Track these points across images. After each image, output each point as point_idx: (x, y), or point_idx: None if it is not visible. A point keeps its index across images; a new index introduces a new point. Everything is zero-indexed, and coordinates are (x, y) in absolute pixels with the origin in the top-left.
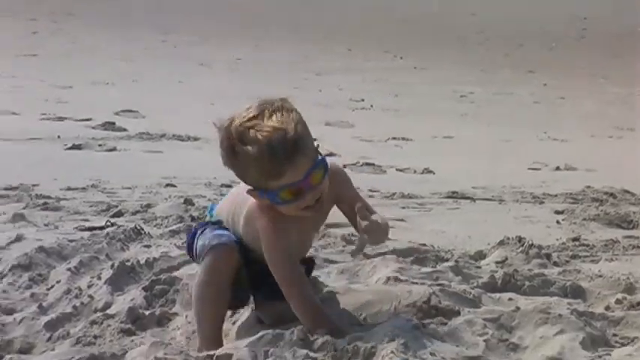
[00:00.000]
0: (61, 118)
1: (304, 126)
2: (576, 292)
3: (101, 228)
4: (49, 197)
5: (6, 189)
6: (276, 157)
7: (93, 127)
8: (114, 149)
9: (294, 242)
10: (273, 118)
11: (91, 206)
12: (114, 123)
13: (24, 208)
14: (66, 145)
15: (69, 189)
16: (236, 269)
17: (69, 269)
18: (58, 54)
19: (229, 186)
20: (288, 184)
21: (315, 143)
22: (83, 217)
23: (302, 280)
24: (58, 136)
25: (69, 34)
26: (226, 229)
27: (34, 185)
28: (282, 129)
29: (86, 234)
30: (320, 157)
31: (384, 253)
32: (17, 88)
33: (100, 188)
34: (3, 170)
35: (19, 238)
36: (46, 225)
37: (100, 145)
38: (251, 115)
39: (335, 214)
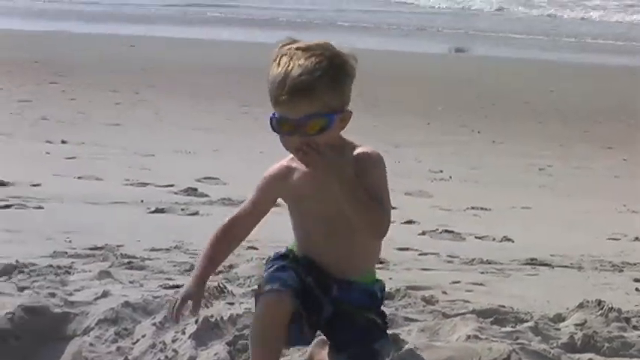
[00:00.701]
0: (143, 184)
1: (327, 74)
2: None
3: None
4: (133, 257)
5: (92, 249)
6: (278, 89)
7: (175, 193)
8: (196, 213)
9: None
10: (308, 54)
11: (174, 266)
12: (196, 189)
13: (110, 267)
14: (149, 209)
15: (153, 250)
16: (289, 314)
17: (154, 324)
18: (141, 124)
19: None
20: (283, 116)
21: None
22: (167, 276)
23: None
24: (142, 201)
25: (151, 104)
26: (291, 265)
27: (118, 246)
28: (301, 66)
29: (170, 291)
30: (330, 115)
31: (464, 314)
32: (101, 156)
33: (183, 249)
34: (89, 231)
35: (105, 294)
36: (131, 282)
37: (182, 210)
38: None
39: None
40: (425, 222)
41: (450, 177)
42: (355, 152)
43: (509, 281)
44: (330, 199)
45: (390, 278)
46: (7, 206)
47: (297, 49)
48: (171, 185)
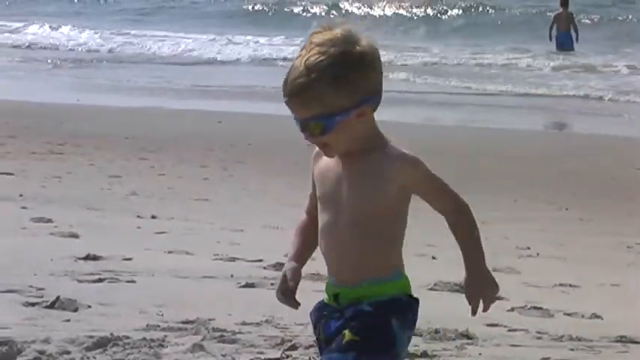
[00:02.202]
0: (233, 259)
1: (326, 73)
2: None
3: (277, 359)
4: (225, 330)
5: (184, 322)
6: (282, 89)
7: (264, 268)
8: None
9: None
10: (315, 50)
11: (265, 340)
12: (283, 264)
13: (202, 340)
14: (239, 283)
15: (244, 323)
16: None
17: None
18: (229, 199)
19: None
20: (294, 115)
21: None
22: (258, 349)
23: None
24: (231, 275)
25: (239, 180)
26: None
27: (210, 319)
28: (302, 66)
29: None
30: (329, 117)
31: None
32: (190, 231)
33: (273, 323)
34: (181, 305)
35: None
36: (223, 356)
37: (271, 284)
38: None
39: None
40: (513, 298)
41: (538, 254)
42: (388, 150)
43: (598, 358)
44: (342, 192)
45: (480, 354)
46: (100, 280)
47: (312, 42)
48: (260, 260)
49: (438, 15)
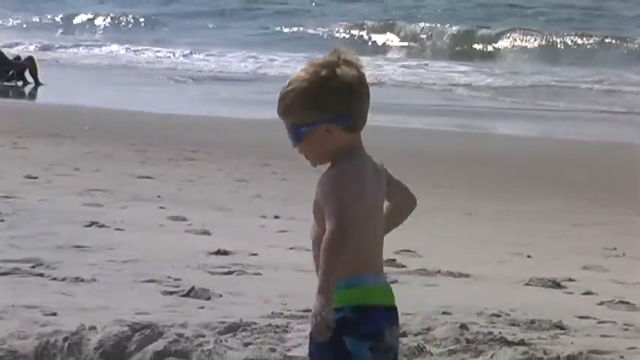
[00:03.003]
0: None
1: (300, 95)
2: None
3: None
4: None
5: (305, 311)
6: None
7: None
8: (395, 282)
9: None
10: (305, 69)
11: None
12: (394, 260)
13: None
14: None
15: None
16: None
17: None
18: None
19: (498, 315)
20: None
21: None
22: None
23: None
24: None
25: None
26: None
27: None
28: (291, 81)
29: None
30: (298, 129)
31: None
32: (308, 230)
33: None
34: (302, 296)
35: None
36: None
37: None
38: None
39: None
40: (602, 294)
41: (624, 254)
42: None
43: None
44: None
45: (572, 343)
46: (230, 272)
47: (308, 63)
48: None
49: None
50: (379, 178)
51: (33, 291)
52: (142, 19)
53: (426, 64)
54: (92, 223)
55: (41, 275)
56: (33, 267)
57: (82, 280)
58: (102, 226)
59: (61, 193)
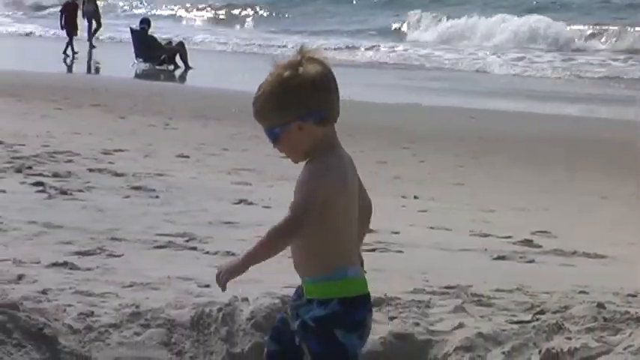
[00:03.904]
0: (485, 235)
1: (267, 99)
2: None
3: (528, 322)
4: (482, 296)
5: (446, 287)
6: None
7: (513, 243)
8: (532, 261)
9: None
10: (272, 72)
11: (517, 305)
12: (531, 240)
13: (462, 303)
14: (492, 256)
15: (497, 290)
16: None
17: (503, 352)
18: (481, 184)
19: (634, 295)
20: None
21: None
22: (512, 313)
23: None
24: (485, 249)
25: (489, 168)
26: None
27: (468, 286)
28: (258, 88)
29: (515, 325)
30: (273, 129)
31: None
32: (448, 210)
33: (523, 291)
34: (442, 273)
35: (460, 325)
36: (481, 317)
37: (520, 258)
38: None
39: None
40: None
41: None
42: (308, 164)
43: None
44: None
45: None
46: (373, 250)
47: (273, 66)
48: (510, 237)
49: None
50: (355, 172)
51: (187, 264)
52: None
53: None
54: (241, 201)
55: (194, 249)
56: (187, 241)
57: (232, 254)
58: (250, 203)
59: (211, 171)
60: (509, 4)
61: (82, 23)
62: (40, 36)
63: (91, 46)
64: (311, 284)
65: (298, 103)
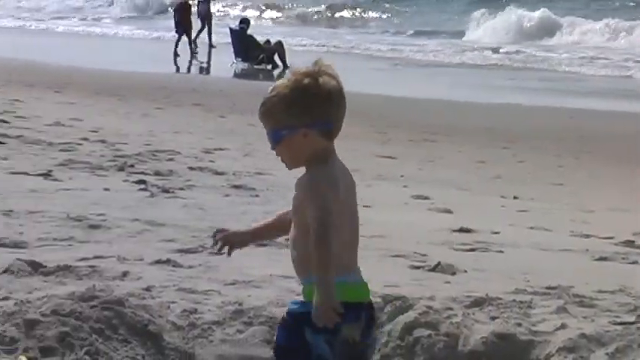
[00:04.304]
0: (587, 236)
1: (282, 100)
2: None
3: (631, 323)
4: (583, 297)
5: (547, 288)
6: None
7: (615, 244)
8: (635, 262)
9: None
10: (288, 77)
11: (620, 306)
12: (633, 241)
13: (564, 304)
14: (593, 257)
15: (600, 291)
16: None
17: (607, 353)
18: (582, 184)
19: None
20: None
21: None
22: (615, 314)
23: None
24: (587, 250)
25: (592, 167)
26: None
27: (569, 286)
28: (271, 89)
29: (619, 327)
30: (278, 131)
31: None
32: (548, 210)
33: (626, 292)
34: (543, 273)
35: (563, 326)
36: (584, 317)
37: (622, 259)
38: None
39: None
40: None
41: None
42: (308, 174)
43: None
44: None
45: None
46: (473, 249)
47: (290, 72)
48: (611, 237)
49: None
50: (352, 181)
51: (288, 262)
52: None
53: None
54: None
55: None
56: (287, 239)
57: None
58: None
59: None
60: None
61: (195, 22)
62: (159, 38)
63: (195, 46)
64: (308, 286)
65: (310, 111)
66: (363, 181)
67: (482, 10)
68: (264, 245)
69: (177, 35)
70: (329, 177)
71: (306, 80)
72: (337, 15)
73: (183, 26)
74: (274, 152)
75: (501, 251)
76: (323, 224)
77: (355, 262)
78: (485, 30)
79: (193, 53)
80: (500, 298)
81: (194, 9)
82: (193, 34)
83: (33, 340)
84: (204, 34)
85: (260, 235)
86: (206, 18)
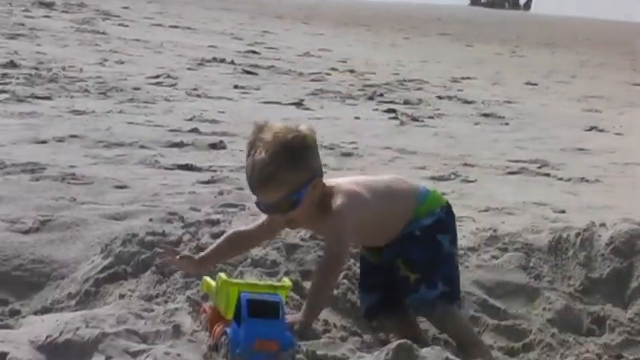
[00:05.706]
0: None
1: (284, 160)
2: None
3: None
4: None
5: None
6: (248, 180)
7: None
8: None
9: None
10: (266, 146)
11: None
12: None
13: None
14: None
15: None
16: None
17: None
18: None
19: None
20: (261, 201)
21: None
22: None
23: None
24: None
25: None
26: None
27: None
28: (261, 160)
29: None
30: (297, 193)
31: None
32: None
33: None
34: None
35: None
36: None
37: None
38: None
39: None
40: None
41: None
42: (331, 210)
43: None
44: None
45: None
46: None
47: (259, 140)
48: None
49: None
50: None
51: (541, 189)
52: None
53: None
54: (592, 128)
55: (547, 175)
56: (539, 167)
57: (586, 181)
58: (601, 130)
59: (560, 98)
60: None
61: None
62: None
63: None
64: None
65: (312, 158)
66: (613, 108)
67: None
68: (515, 173)
69: None
70: (350, 203)
71: (291, 135)
72: None
73: None
74: (285, 224)
75: None
76: (337, 260)
77: None
78: None
79: None
80: None
81: None
82: None
83: (293, 263)
84: None
85: (209, 262)
86: None
